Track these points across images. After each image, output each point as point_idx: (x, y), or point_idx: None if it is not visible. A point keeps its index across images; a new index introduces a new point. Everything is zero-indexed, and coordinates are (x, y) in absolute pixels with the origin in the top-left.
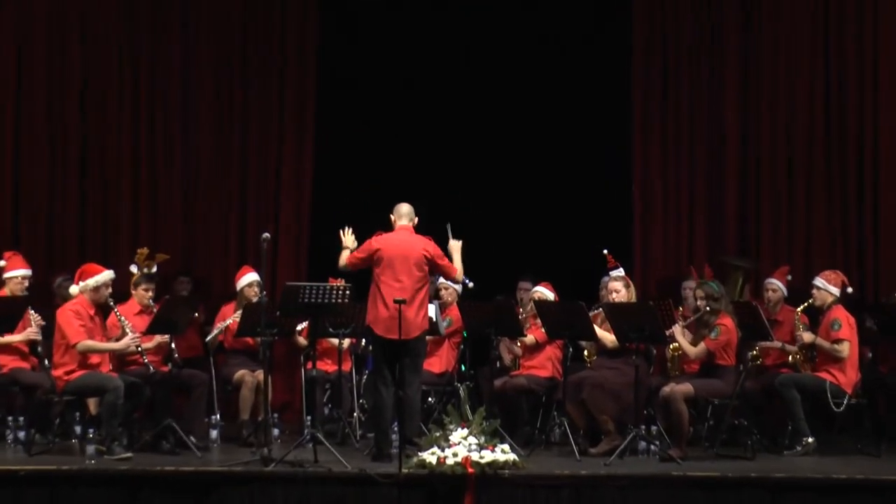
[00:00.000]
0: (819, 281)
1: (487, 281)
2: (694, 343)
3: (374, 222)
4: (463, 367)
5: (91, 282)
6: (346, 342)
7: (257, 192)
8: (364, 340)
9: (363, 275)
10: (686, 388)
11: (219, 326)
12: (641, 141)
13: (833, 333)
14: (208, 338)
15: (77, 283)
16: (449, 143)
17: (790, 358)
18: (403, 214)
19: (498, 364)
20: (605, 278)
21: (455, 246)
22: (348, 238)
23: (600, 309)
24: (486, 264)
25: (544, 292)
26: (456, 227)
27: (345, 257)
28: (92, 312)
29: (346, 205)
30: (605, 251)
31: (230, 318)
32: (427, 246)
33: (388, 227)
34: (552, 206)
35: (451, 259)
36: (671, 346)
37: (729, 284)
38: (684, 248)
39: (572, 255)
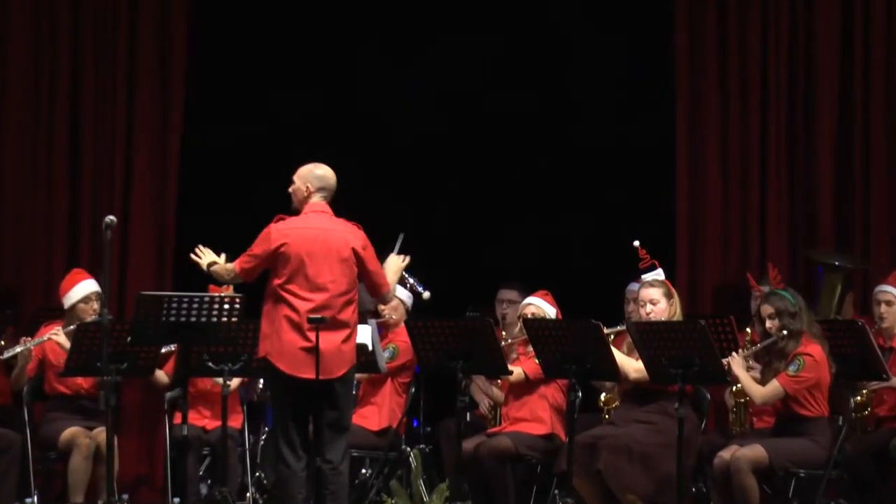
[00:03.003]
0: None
1: (452, 288)
2: (763, 382)
3: (270, 211)
4: (415, 422)
5: None
6: (235, 383)
7: (98, 166)
8: (262, 382)
9: (260, 282)
10: (756, 452)
11: (27, 343)
12: (687, 85)
13: None
14: (5, 354)
15: None
16: (386, 101)
17: None
18: (320, 186)
19: (468, 416)
20: (633, 285)
21: (394, 264)
22: (207, 256)
23: (623, 327)
24: (451, 264)
25: (541, 305)
26: (405, 231)
27: (226, 269)
28: None
29: (234, 185)
30: (636, 244)
31: (47, 334)
32: (357, 236)
33: (289, 207)
34: (550, 182)
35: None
36: (733, 389)
37: (823, 294)
38: (754, 242)
39: (581, 250)
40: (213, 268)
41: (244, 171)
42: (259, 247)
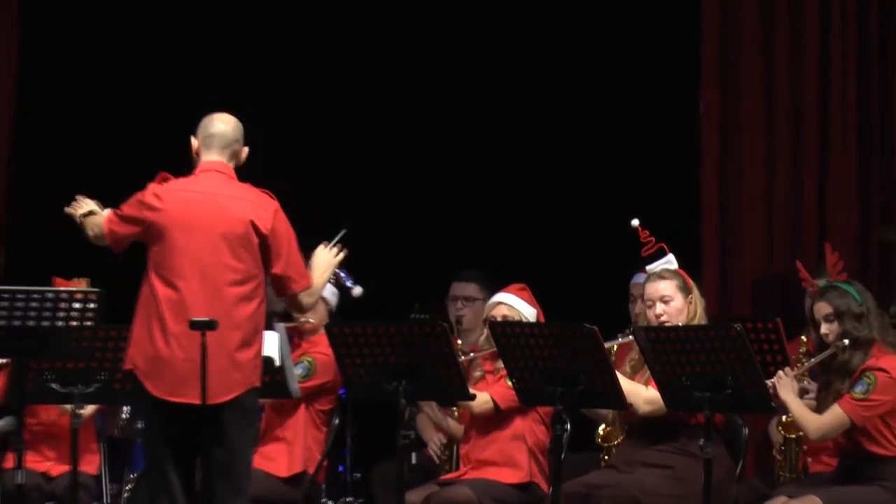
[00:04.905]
0: None
1: (391, 281)
2: (819, 408)
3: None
4: (340, 466)
5: None
6: (89, 412)
7: None
8: (127, 409)
9: (130, 278)
10: None
11: None
12: (717, 19)
13: None
14: None
15: None
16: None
17: None
18: (215, 142)
19: (414, 458)
20: (640, 276)
21: (323, 260)
22: (85, 206)
23: (630, 336)
24: (390, 248)
25: (515, 304)
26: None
27: (97, 224)
28: None
29: (88, 154)
30: (635, 223)
31: None
32: (263, 207)
33: (182, 166)
34: (525, 142)
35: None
36: (782, 419)
37: None
38: (811, 221)
39: (570, 231)
40: (88, 218)
41: (112, 143)
42: (130, 207)
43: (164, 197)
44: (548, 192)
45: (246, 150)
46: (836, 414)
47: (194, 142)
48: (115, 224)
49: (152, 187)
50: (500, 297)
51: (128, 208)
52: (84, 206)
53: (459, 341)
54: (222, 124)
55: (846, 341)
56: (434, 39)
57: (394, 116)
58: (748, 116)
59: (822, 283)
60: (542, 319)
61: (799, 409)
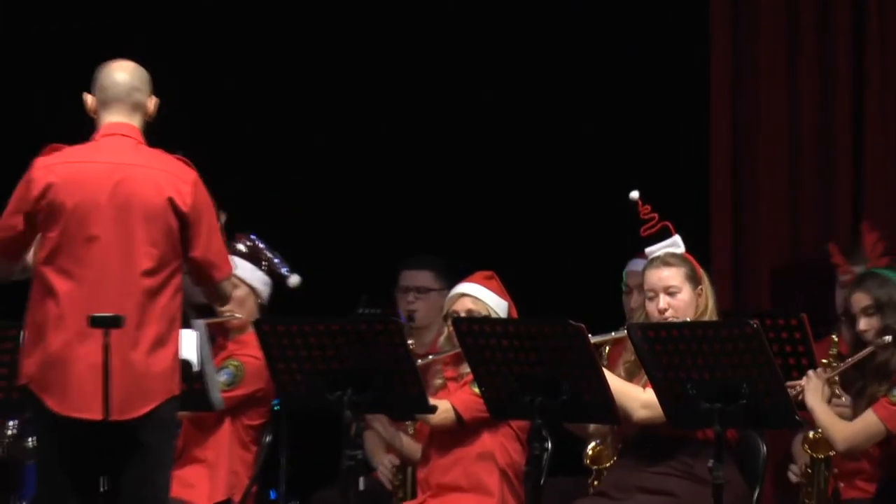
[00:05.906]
0: None
1: (334, 269)
2: (853, 415)
3: None
4: (272, 493)
5: None
6: None
7: None
8: (14, 424)
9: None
10: None
11: None
12: None
13: None
14: None
15: None
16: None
17: None
18: (116, 95)
19: (362, 483)
20: (636, 262)
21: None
22: None
23: (625, 332)
24: (333, 231)
25: (481, 297)
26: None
27: None
28: None
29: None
30: (635, 195)
31: None
32: (180, 181)
33: (81, 132)
34: (495, 106)
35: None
36: (809, 435)
37: None
38: (843, 195)
39: (550, 210)
40: None
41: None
42: (16, 199)
43: (57, 170)
44: (520, 159)
45: (155, 100)
46: (868, 421)
47: (89, 99)
48: (1, 227)
49: (39, 161)
50: (464, 287)
51: (12, 203)
52: None
53: (411, 341)
54: (120, 72)
55: (888, 338)
56: (399, 19)
57: (343, 88)
58: (766, 60)
59: (858, 269)
60: (515, 314)
61: (826, 415)
